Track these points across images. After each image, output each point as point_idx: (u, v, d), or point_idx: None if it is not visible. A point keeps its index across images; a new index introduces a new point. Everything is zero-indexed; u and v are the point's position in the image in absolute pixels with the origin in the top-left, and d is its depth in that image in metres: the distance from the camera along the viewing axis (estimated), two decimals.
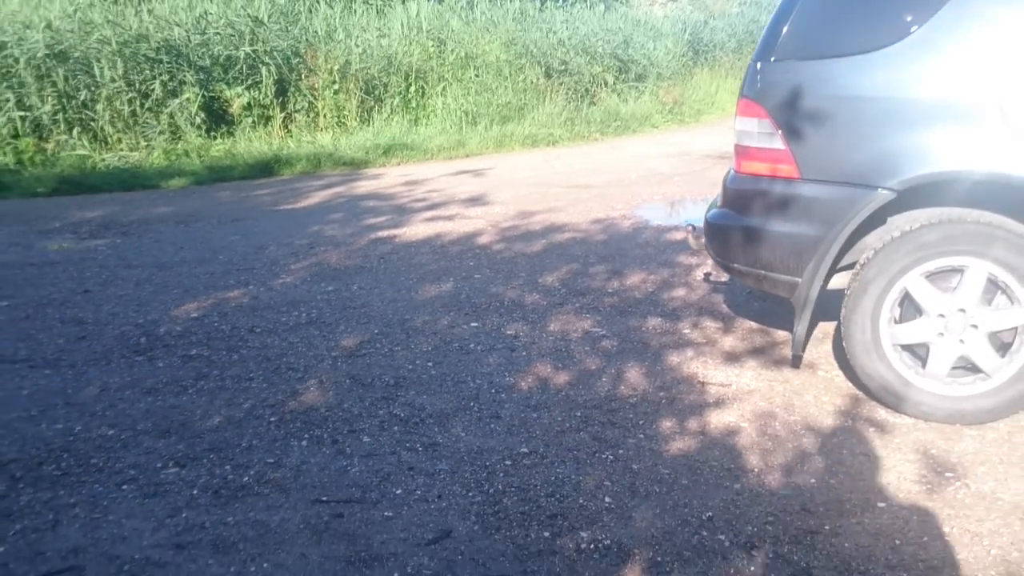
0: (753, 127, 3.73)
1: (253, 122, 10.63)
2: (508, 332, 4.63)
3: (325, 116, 11.35)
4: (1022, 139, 3.21)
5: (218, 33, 10.58)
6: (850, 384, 3.89)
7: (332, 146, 10.52)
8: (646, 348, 4.41)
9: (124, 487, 3.12)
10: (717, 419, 3.64)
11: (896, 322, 3.62)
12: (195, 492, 3.08)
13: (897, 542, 2.77)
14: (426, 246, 6.45)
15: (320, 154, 10.22)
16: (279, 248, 6.37)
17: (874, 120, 3.51)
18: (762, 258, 3.79)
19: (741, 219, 3.82)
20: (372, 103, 11.74)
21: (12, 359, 4.25)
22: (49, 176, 8.98)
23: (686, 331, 4.66)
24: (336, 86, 11.39)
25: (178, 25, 10.39)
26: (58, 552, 2.73)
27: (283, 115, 11.04)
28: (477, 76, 12.61)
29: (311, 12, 12.15)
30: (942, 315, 3.52)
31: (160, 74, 10.05)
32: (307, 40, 11.22)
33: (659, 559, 2.69)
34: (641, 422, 3.63)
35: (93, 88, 9.67)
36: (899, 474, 3.22)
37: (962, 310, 3.49)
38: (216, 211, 7.79)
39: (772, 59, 3.70)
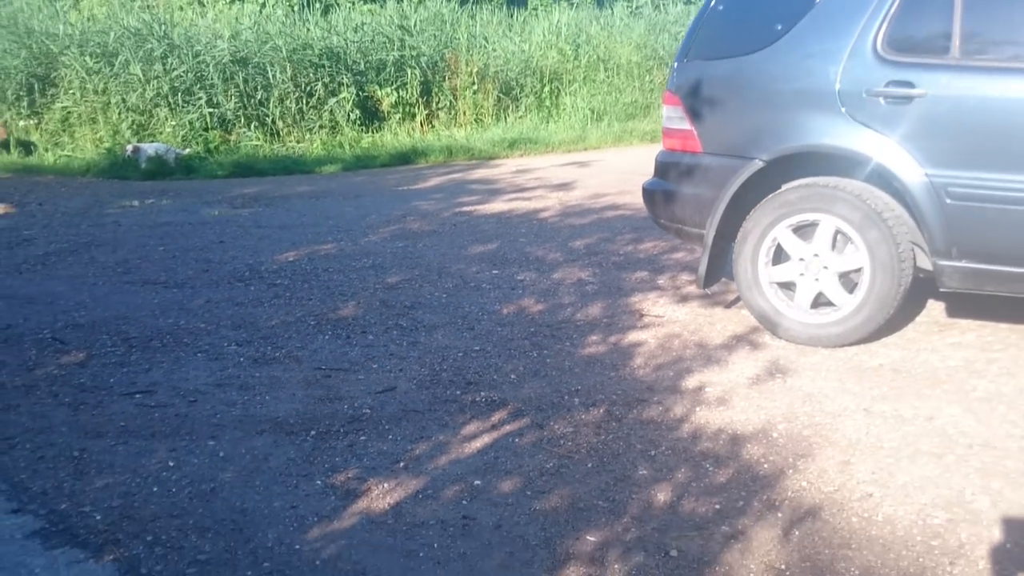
0: (671, 113, 4.97)
1: (400, 118, 12.45)
2: (518, 278, 6.03)
3: (464, 114, 13.02)
4: (854, 121, 4.26)
5: (371, 41, 12.45)
6: (759, 349, 4.90)
7: (465, 140, 12.15)
8: (619, 291, 5.69)
9: (198, 355, 4.77)
10: (633, 337, 4.90)
11: (770, 265, 4.75)
12: (241, 360, 4.68)
13: (704, 410, 3.95)
14: (495, 219, 7.92)
15: (453, 146, 11.86)
16: (378, 217, 8.03)
17: (751, 106, 4.68)
18: (678, 215, 5.02)
19: (664, 185, 5.07)
20: (508, 102, 13.32)
21: (154, 282, 6.07)
22: (228, 162, 11.11)
23: (660, 281, 5.89)
24: (475, 87, 13.02)
25: (338, 34, 12.34)
26: (145, 383, 4.39)
27: (426, 112, 12.80)
28: (607, 77, 13.92)
29: (456, 22, 13.87)
30: (802, 259, 4.63)
31: (322, 77, 12.03)
32: (451, 46, 12.94)
33: (522, 407, 4.00)
34: (575, 336, 4.93)
35: (267, 89, 11.76)
36: (740, 372, 4.37)
37: (816, 255, 4.59)
38: (345, 190, 9.59)
39: (686, 60, 4.92)
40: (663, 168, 4.96)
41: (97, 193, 9.41)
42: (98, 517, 3.13)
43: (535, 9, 14.38)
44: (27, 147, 11.68)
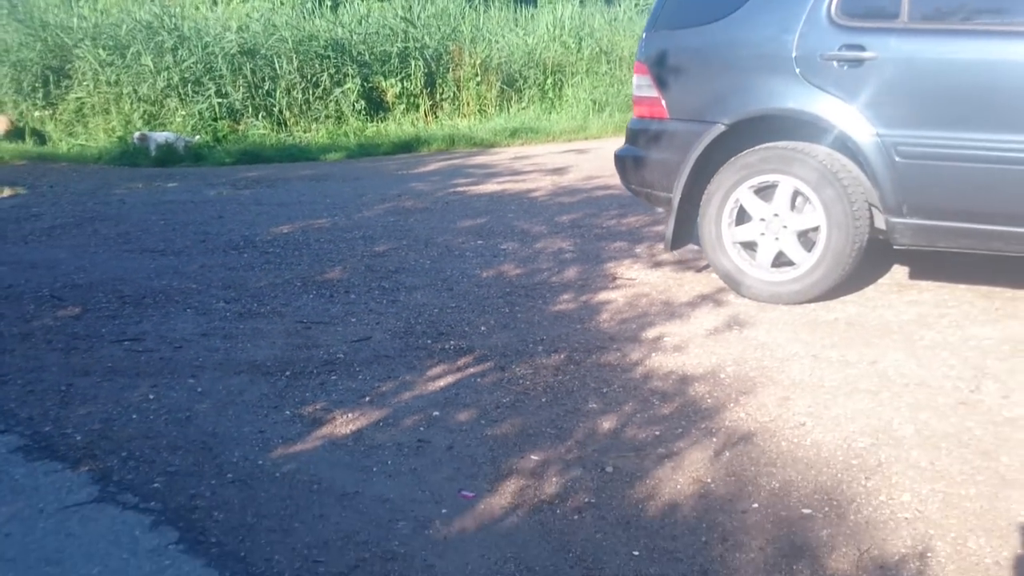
0: (640, 81, 5.19)
1: (404, 109, 12.72)
2: (501, 247, 6.27)
3: (468, 105, 13.27)
4: (810, 85, 4.47)
5: (376, 33, 12.74)
6: (721, 306, 5.14)
7: (468, 129, 12.41)
8: (596, 259, 5.91)
9: (187, 310, 5.03)
10: (603, 296, 5.12)
11: (733, 225, 4.97)
12: (228, 314, 4.93)
13: (660, 355, 4.19)
14: (487, 198, 8.16)
15: (455, 135, 12.11)
16: (374, 196, 8.29)
17: (714, 73, 4.89)
18: (647, 179, 5.24)
19: (634, 151, 5.29)
20: (512, 94, 13.57)
21: (152, 250, 6.35)
22: (235, 150, 11.41)
23: (637, 250, 6.11)
24: (478, 79, 13.27)
25: (342, 26, 12.64)
26: (134, 332, 4.64)
27: (430, 103, 13.07)
28: (610, 69, 14.15)
29: (461, 15, 14.14)
30: (763, 219, 4.84)
31: (328, 68, 12.31)
32: (455, 38, 13.21)
33: (488, 354, 4.21)
34: (547, 295, 5.16)
35: (274, 80, 12.06)
36: (700, 325, 4.58)
37: (776, 215, 4.79)
38: (346, 174, 9.85)
39: (653, 30, 5.15)
40: (633, 135, 5.18)
41: (107, 177, 9.72)
42: (78, 438, 3.37)
43: (543, 6, 14.55)
44: (41, 137, 12.03)
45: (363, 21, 12.66)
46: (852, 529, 2.66)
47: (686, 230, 5.04)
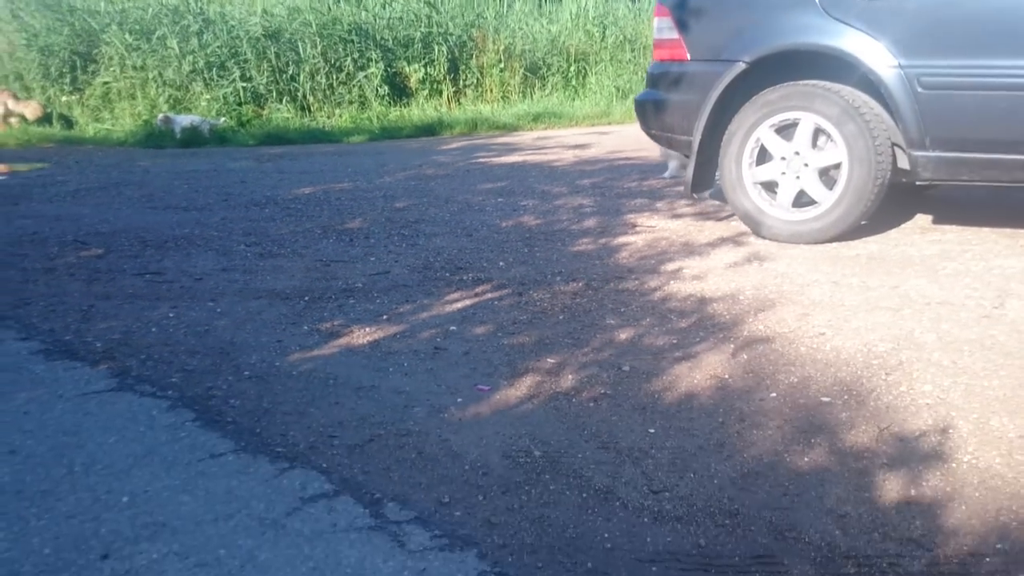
0: (661, 24, 5.19)
1: (427, 95, 12.77)
2: (521, 203, 6.28)
3: (491, 91, 13.31)
4: (831, 19, 4.45)
5: (400, 18, 12.81)
6: (741, 245, 5.16)
7: (491, 114, 12.44)
8: (615, 212, 5.90)
9: (208, 252, 5.06)
10: (622, 239, 5.11)
11: (754, 165, 4.95)
12: (248, 254, 4.96)
13: (678, 283, 4.22)
14: (508, 166, 8.17)
15: (478, 119, 12.14)
16: (395, 166, 8.32)
17: (733, 12, 4.88)
18: (667, 122, 5.23)
19: (654, 95, 5.29)
20: (535, 81, 13.60)
21: (175, 207, 6.40)
22: (259, 133, 11.49)
23: (657, 205, 6.10)
24: (502, 65, 13.30)
25: (366, 10, 12.72)
26: (156, 267, 4.69)
27: (454, 89, 13.11)
28: (634, 57, 14.15)
29: (485, 2, 14.19)
30: (784, 158, 4.82)
31: (351, 52, 12.39)
32: (478, 25, 13.25)
33: (506, 283, 4.21)
34: (567, 239, 5.16)
35: (298, 64, 12.15)
36: (719, 260, 4.56)
37: (797, 153, 4.78)
38: (367, 151, 9.90)
39: None
40: (653, 79, 5.17)
41: (132, 155, 9.82)
42: (98, 345, 3.40)
43: None
44: (68, 122, 12.16)
45: (387, 6, 12.70)
46: (871, 413, 2.63)
47: (707, 174, 5.01)
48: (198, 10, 11.94)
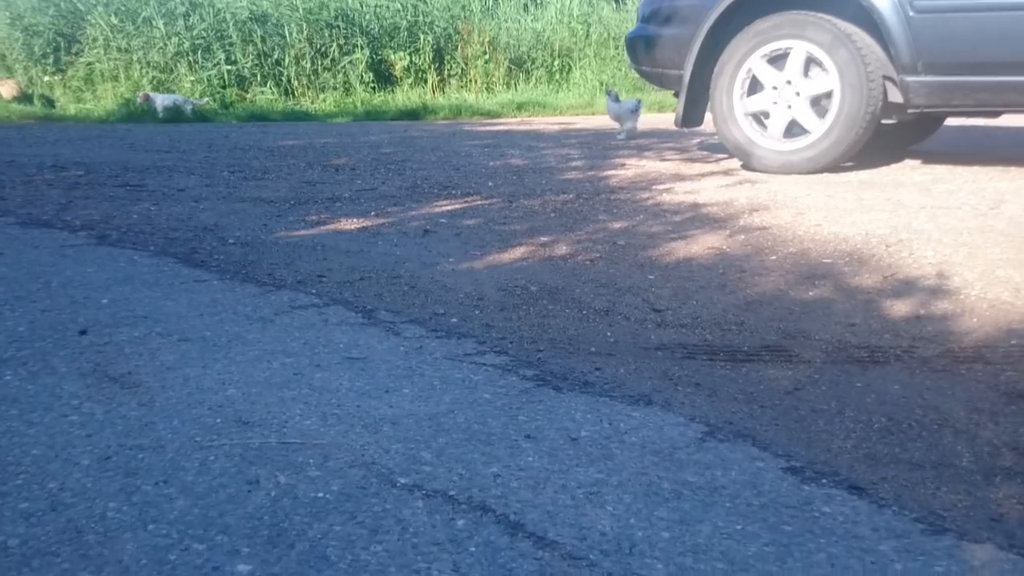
0: None
1: (412, 83, 12.72)
2: (508, 152, 6.21)
3: (476, 81, 13.27)
4: None
5: (386, 6, 12.78)
6: (732, 175, 5.12)
7: (475, 102, 12.40)
8: (603, 158, 5.84)
9: (191, 176, 4.96)
10: (611, 173, 5.04)
11: (745, 96, 4.91)
12: (232, 179, 4.85)
13: (670, 195, 4.18)
14: (492, 132, 8.13)
15: (462, 106, 12.09)
16: (380, 134, 8.27)
17: None
18: (659, 58, 5.19)
19: (645, 30, 5.25)
20: (519, 73, 13.58)
21: (158, 151, 6.31)
22: (242, 113, 11.41)
23: (645, 154, 6.05)
24: (487, 56, 13.28)
25: None
26: (137, 182, 4.59)
27: (438, 78, 13.07)
28: (617, 53, 14.18)
29: None
30: (775, 87, 4.78)
31: (337, 38, 12.33)
32: (464, 17, 13.24)
33: (494, 196, 4.17)
34: (555, 172, 5.08)
35: (283, 48, 12.07)
36: (710, 184, 4.50)
37: (789, 81, 4.74)
38: (352, 125, 9.85)
39: None
40: (645, 15, 5.14)
41: (114, 127, 9.69)
42: (77, 222, 3.29)
43: None
44: (50, 102, 12.01)
45: None
46: (875, 267, 2.57)
47: (697, 109, 4.96)
48: None
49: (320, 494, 1.13)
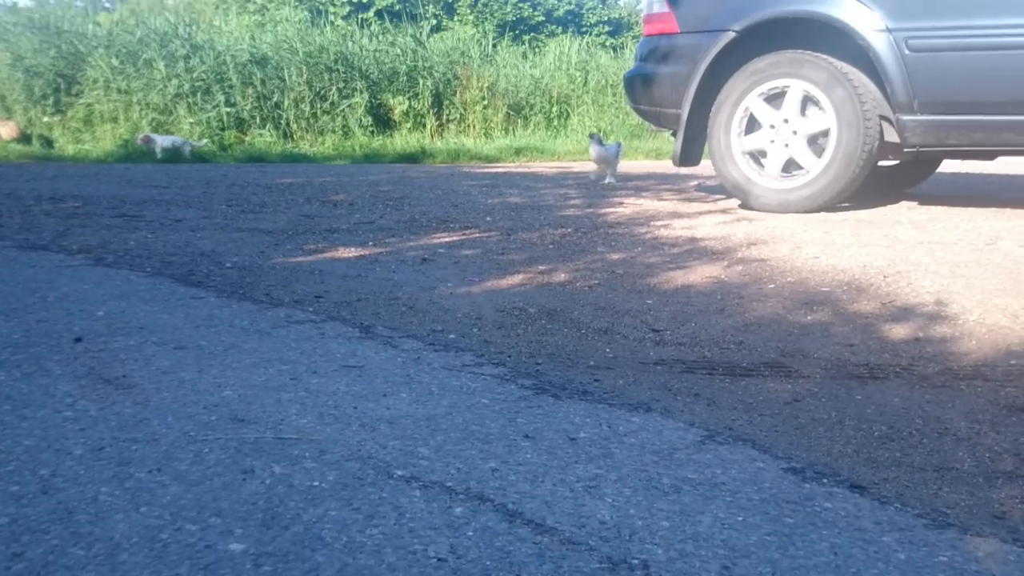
0: (651, 0, 5.26)
1: (411, 127, 12.83)
2: (507, 191, 6.25)
3: (474, 126, 13.40)
4: None
5: (385, 50, 12.94)
6: (729, 213, 5.16)
7: (473, 146, 12.51)
8: (601, 198, 5.88)
9: (189, 208, 4.98)
10: (609, 210, 5.06)
11: (743, 135, 4.96)
12: (231, 212, 4.87)
13: (668, 230, 4.17)
14: (491, 174, 8.18)
15: (460, 150, 12.18)
16: (378, 174, 8.32)
17: None
18: (656, 96, 5.25)
19: (643, 69, 5.32)
20: (517, 120, 13.71)
21: (156, 186, 6.33)
22: (241, 155, 11.48)
23: (643, 195, 6.10)
24: (485, 102, 13.42)
25: (353, 41, 12.84)
26: (134, 213, 4.61)
27: (437, 123, 13.19)
28: (615, 100, 14.34)
29: (472, 41, 14.39)
30: (773, 126, 4.84)
31: (336, 81, 12.46)
32: (463, 63, 13.41)
33: (492, 230, 4.19)
34: (553, 209, 5.12)
35: (283, 91, 12.19)
36: (708, 221, 4.53)
37: (786, 120, 4.79)
38: (350, 167, 9.91)
39: None
40: (643, 54, 5.20)
41: (112, 167, 9.75)
42: (75, 247, 3.30)
43: (550, 40, 14.82)
44: (48, 142, 12.08)
45: (373, 39, 12.82)
46: (873, 295, 2.58)
47: (695, 148, 5.01)
48: (186, 35, 11.96)
49: (316, 483, 1.11)
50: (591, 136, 6.99)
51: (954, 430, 1.43)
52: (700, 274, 2.88)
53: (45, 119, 12.15)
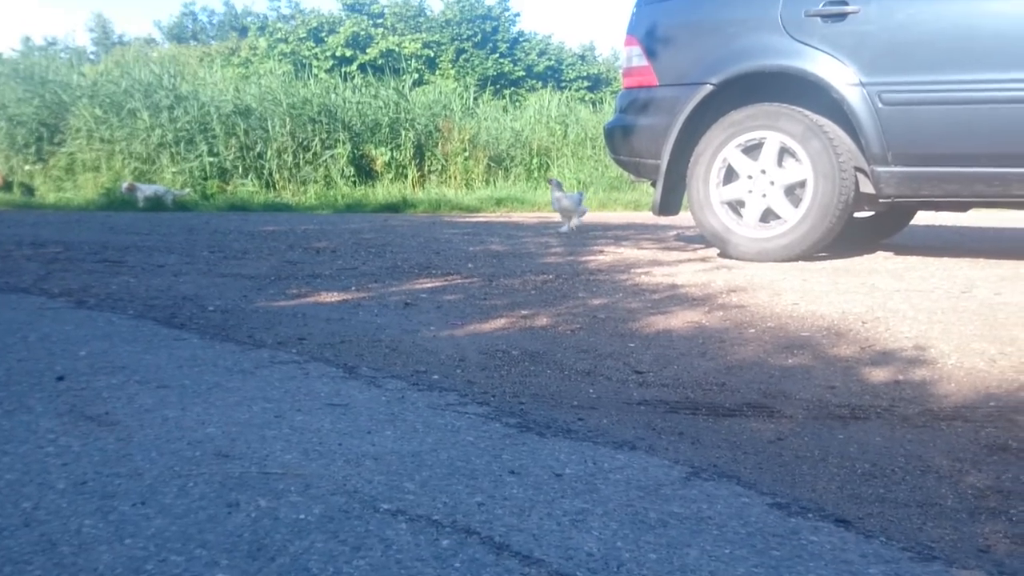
0: (631, 53, 5.34)
1: (392, 178, 12.92)
2: (488, 239, 6.29)
3: (455, 177, 13.50)
4: (795, 41, 4.63)
5: (368, 102, 13.06)
6: (708, 262, 5.23)
7: (455, 196, 12.59)
8: (582, 246, 5.93)
9: (171, 255, 4.99)
10: (590, 258, 5.10)
11: (721, 185, 5.03)
12: (213, 258, 4.86)
13: (648, 277, 4.20)
14: (472, 223, 8.24)
15: (442, 200, 12.26)
16: (360, 222, 8.36)
17: (702, 38, 5.04)
18: (636, 147, 5.32)
19: (624, 120, 5.40)
20: (498, 171, 13.84)
21: (136, 232, 6.33)
22: (223, 204, 11.51)
23: (623, 244, 6.15)
24: (466, 154, 13.55)
25: (336, 92, 12.96)
26: (116, 258, 4.61)
27: (419, 174, 13.29)
28: (594, 153, 14.51)
29: (453, 94, 14.56)
30: (751, 176, 4.91)
31: (319, 132, 12.55)
32: (445, 115, 13.55)
33: (474, 276, 4.22)
34: (534, 257, 5.15)
35: (266, 141, 12.26)
36: (688, 269, 4.58)
37: (763, 171, 4.87)
38: (332, 216, 9.95)
39: (643, 5, 5.34)
40: (623, 106, 5.28)
41: (93, 215, 9.74)
42: (56, 291, 3.29)
43: (530, 94, 15.02)
44: (29, 190, 12.06)
45: (357, 91, 12.95)
46: (852, 340, 2.61)
47: (674, 198, 5.07)
48: (171, 86, 12.03)
49: (301, 516, 1.11)
50: (550, 181, 6.99)
51: (936, 468, 1.45)
52: (681, 319, 2.90)
53: (27, 167, 12.15)
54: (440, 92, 14.30)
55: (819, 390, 1.96)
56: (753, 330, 2.74)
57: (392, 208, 11.59)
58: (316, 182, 12.45)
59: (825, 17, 4.46)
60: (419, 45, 23.72)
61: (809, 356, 2.33)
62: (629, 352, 2.36)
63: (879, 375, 2.12)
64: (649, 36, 5.06)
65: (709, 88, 4.73)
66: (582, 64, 26.55)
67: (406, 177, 13.04)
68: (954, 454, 1.53)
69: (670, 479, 1.32)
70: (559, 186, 6.85)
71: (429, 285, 3.67)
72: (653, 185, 5.11)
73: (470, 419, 1.61)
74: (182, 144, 11.81)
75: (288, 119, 12.18)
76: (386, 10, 25.47)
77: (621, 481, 1.29)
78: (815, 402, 1.85)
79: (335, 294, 3.37)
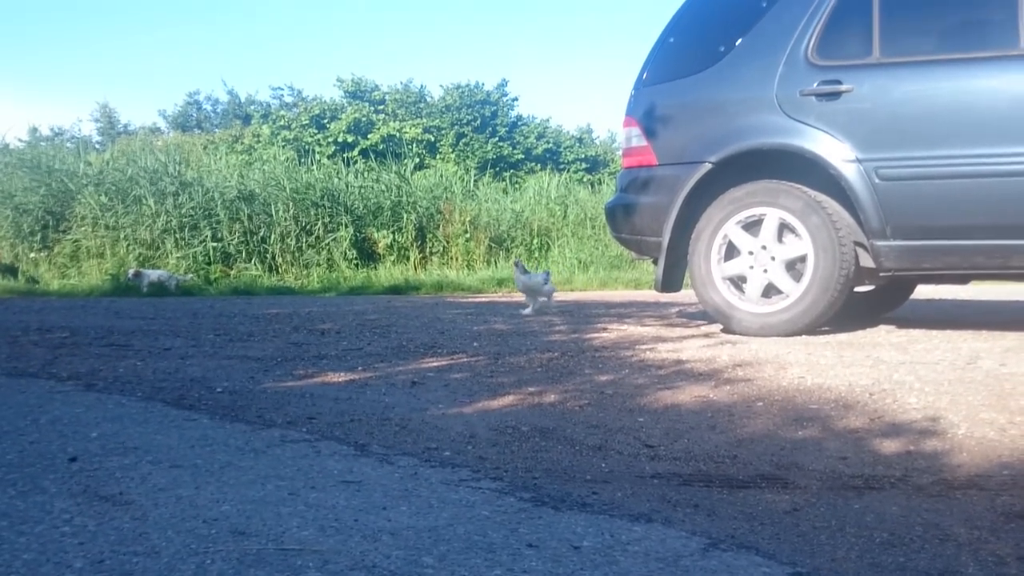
0: (630, 134, 5.45)
1: (395, 260, 13.03)
2: (492, 319, 6.32)
3: (457, 259, 13.61)
4: (791, 119, 4.74)
5: (370, 186, 13.24)
6: (712, 337, 5.26)
7: (457, 278, 12.68)
8: (586, 324, 5.97)
9: (177, 338, 5.02)
10: (595, 335, 5.13)
11: (722, 261, 5.08)
12: (219, 341, 4.90)
13: (654, 353, 4.24)
14: (474, 303, 8.29)
15: (444, 282, 12.34)
16: (364, 304, 8.40)
17: (699, 118, 5.15)
18: (637, 225, 5.40)
19: (624, 199, 5.48)
20: (499, 252, 13.97)
21: (143, 317, 6.37)
22: (226, 288, 11.58)
23: (626, 321, 6.19)
24: (468, 235, 13.69)
25: (338, 177, 13.15)
26: (122, 342, 4.64)
27: (420, 255, 13.40)
28: (594, 233, 14.66)
29: (454, 176, 14.78)
30: (751, 252, 4.97)
31: (322, 216, 12.70)
32: (446, 198, 13.74)
33: (480, 355, 4.25)
34: (539, 335, 5.18)
35: (269, 226, 12.39)
36: (692, 345, 4.61)
37: (764, 247, 4.93)
38: (336, 299, 10.01)
39: (642, 87, 5.48)
40: (623, 185, 5.37)
41: (98, 300, 9.81)
42: (64, 374, 3.31)
43: (529, 176, 15.26)
44: (33, 278, 12.14)
45: (359, 176, 13.14)
46: (860, 411, 2.62)
47: (676, 275, 5.12)
48: (176, 172, 12.21)
49: None
50: (515, 264, 6.97)
51: (955, 536, 1.44)
52: (689, 394, 2.90)
53: (32, 255, 12.22)
54: (441, 175, 14.51)
55: (831, 461, 1.95)
56: (761, 403, 2.73)
57: (395, 290, 11.66)
58: (319, 265, 12.53)
59: (820, 96, 4.55)
60: (420, 130, 24.12)
61: (819, 428, 2.33)
62: (639, 427, 2.36)
63: (891, 446, 2.12)
64: (648, 117, 5.15)
65: (708, 167, 4.80)
66: (580, 146, 26.96)
67: (408, 259, 13.14)
68: (972, 522, 1.53)
69: (689, 550, 1.32)
70: (523, 268, 6.82)
71: (435, 364, 3.67)
72: (654, 263, 5.15)
73: (484, 494, 1.61)
74: (186, 230, 11.92)
75: (291, 203, 12.32)
76: (387, 97, 25.96)
77: (640, 553, 1.29)
78: (828, 473, 1.85)
79: (342, 374, 3.38)
